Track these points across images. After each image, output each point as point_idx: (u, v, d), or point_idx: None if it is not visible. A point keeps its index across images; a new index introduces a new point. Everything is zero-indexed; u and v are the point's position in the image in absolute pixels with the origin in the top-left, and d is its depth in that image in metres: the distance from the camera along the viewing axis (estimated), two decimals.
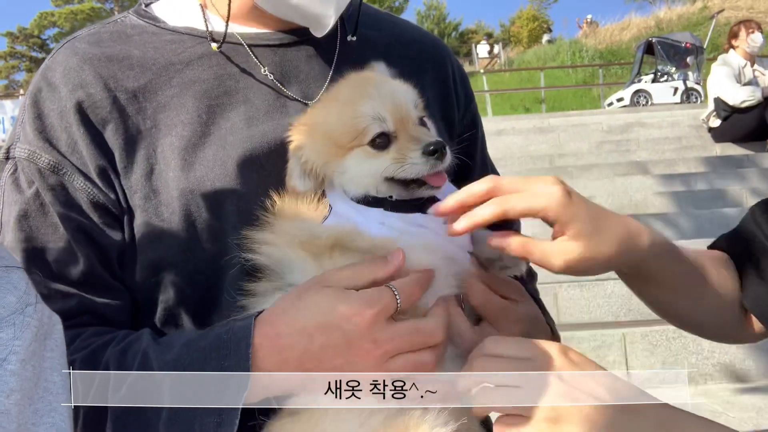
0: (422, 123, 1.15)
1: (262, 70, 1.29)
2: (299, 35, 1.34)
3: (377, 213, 1.10)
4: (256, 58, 1.30)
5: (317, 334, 1.01)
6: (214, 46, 1.28)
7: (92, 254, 1.19)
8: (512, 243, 1.04)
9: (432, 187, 1.09)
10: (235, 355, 1.01)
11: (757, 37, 8.65)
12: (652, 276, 1.17)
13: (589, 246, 1.03)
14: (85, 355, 1.10)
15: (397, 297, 1.03)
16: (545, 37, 47.88)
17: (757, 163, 8.55)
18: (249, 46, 1.31)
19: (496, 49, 42.05)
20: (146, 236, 1.19)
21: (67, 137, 1.20)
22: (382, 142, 1.09)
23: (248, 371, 0.99)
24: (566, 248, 1.03)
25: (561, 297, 4.86)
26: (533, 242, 1.04)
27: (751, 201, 7.03)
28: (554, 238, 1.04)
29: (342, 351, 1.01)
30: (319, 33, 1.29)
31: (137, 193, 1.19)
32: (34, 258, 1.16)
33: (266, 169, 1.21)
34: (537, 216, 1.03)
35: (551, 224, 1.04)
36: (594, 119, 12.52)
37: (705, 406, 3.57)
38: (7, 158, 1.23)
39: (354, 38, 1.35)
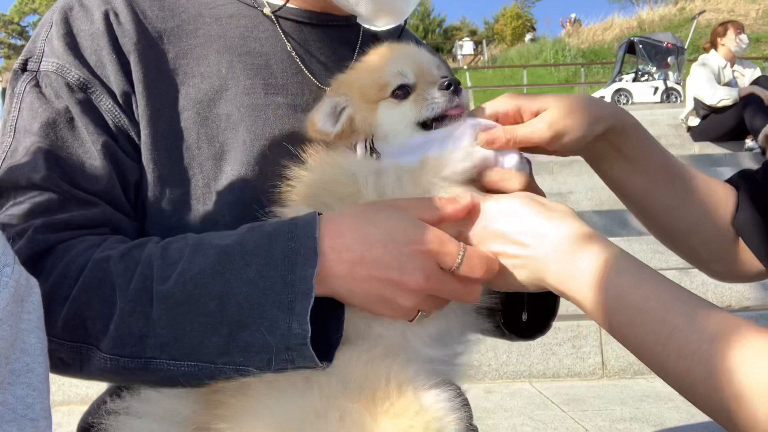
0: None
1: (288, 46, 1.30)
2: (327, 17, 1.36)
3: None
4: (282, 31, 1.31)
5: (377, 246, 1.01)
6: (266, 10, 1.31)
7: (114, 175, 1.16)
8: (498, 132, 1.14)
9: (453, 118, 1.15)
10: (302, 235, 1.00)
11: (745, 38, 8.77)
12: (629, 153, 1.24)
13: (562, 109, 1.15)
14: (120, 251, 1.05)
15: (461, 255, 1.03)
16: (528, 36, 47.99)
17: (735, 162, 8.64)
18: (279, 17, 1.32)
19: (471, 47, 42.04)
20: (146, 176, 1.18)
21: (97, 59, 1.19)
22: (402, 93, 1.16)
23: (316, 251, 0.98)
24: (545, 116, 1.15)
25: None
26: (515, 127, 1.15)
27: None
28: None
29: (393, 271, 1.01)
30: (383, 26, 1.31)
31: (146, 130, 1.18)
32: (56, 165, 1.13)
33: (276, 139, 1.21)
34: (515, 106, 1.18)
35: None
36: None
37: (678, 397, 3.62)
38: (24, 70, 1.20)
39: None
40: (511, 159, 1.14)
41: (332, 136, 1.17)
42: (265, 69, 1.27)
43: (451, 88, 1.13)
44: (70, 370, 1.06)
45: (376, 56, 1.23)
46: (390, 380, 0.98)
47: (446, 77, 1.15)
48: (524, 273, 1.05)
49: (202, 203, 1.18)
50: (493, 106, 1.19)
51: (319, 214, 1.04)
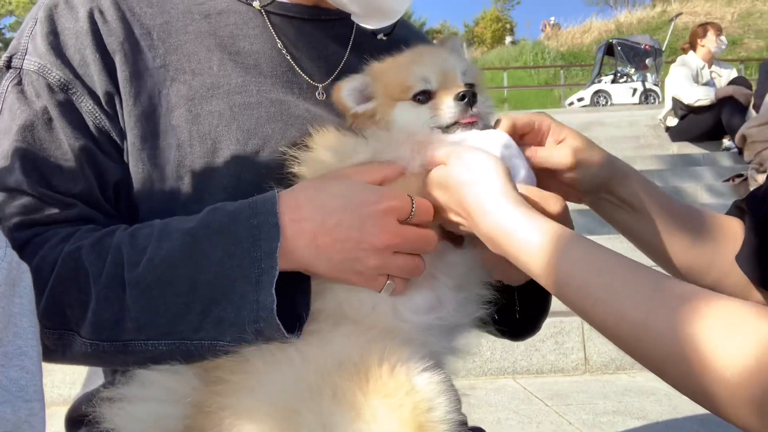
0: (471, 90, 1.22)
1: (278, 44, 1.29)
2: (319, 11, 1.35)
3: None
4: (273, 27, 1.30)
5: (335, 212, 1.05)
6: (256, 4, 1.30)
7: (92, 177, 1.17)
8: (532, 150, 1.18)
9: (466, 126, 1.18)
10: (262, 212, 1.04)
11: (724, 39, 8.95)
12: (632, 202, 1.25)
13: (584, 142, 1.18)
14: (91, 241, 1.08)
15: (413, 206, 1.07)
16: (508, 39, 48.29)
17: (713, 162, 8.75)
18: (269, 12, 1.31)
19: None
20: (133, 175, 1.19)
21: (80, 59, 1.18)
22: (423, 98, 1.19)
23: (278, 226, 1.03)
24: (569, 143, 1.18)
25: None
26: (539, 148, 1.18)
27: (705, 198, 7.20)
28: None
29: (353, 232, 1.05)
30: (377, 24, 1.32)
31: (135, 129, 1.18)
32: (34, 169, 1.14)
33: (269, 136, 1.21)
34: (539, 125, 1.20)
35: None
36: (555, 118, 12.67)
37: (660, 391, 3.67)
38: (9, 67, 1.20)
39: (384, 38, 1.39)
40: (520, 168, 1.15)
41: (350, 112, 1.22)
42: (255, 67, 1.26)
43: (465, 100, 1.16)
44: (54, 355, 1.09)
45: (406, 57, 1.26)
46: (384, 361, 0.99)
47: (465, 89, 1.17)
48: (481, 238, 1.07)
49: (195, 201, 1.17)
50: (512, 118, 1.21)
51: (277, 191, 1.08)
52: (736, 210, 1.34)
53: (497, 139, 1.13)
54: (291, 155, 1.17)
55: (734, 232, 1.29)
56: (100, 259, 1.05)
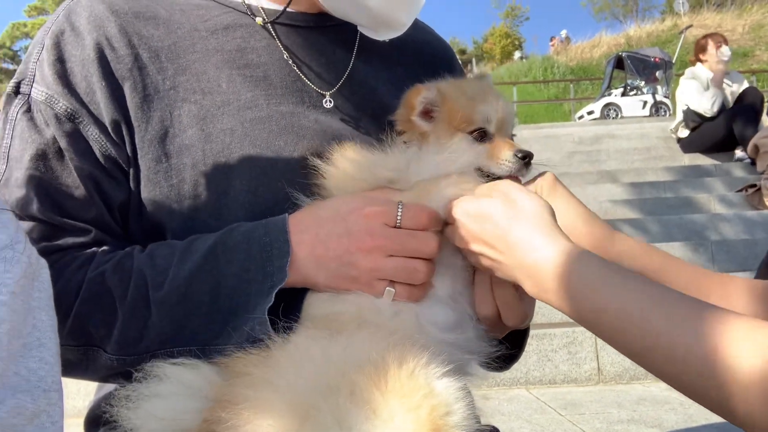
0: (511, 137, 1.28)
1: (285, 54, 1.30)
2: (324, 18, 1.36)
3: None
4: (278, 38, 1.31)
5: (326, 223, 1.11)
6: (258, 20, 1.31)
7: (101, 203, 1.20)
8: None
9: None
10: (274, 230, 1.11)
11: (726, 50, 8.80)
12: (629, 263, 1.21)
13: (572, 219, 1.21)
14: (112, 265, 1.13)
15: (399, 210, 1.11)
16: (517, 54, 48.41)
17: (725, 173, 8.71)
18: (274, 23, 1.32)
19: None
20: (151, 198, 1.20)
21: (86, 86, 1.19)
22: (479, 136, 1.22)
23: (288, 242, 1.10)
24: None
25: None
26: None
27: (718, 208, 7.17)
28: None
29: (343, 239, 1.10)
30: (384, 36, 1.33)
31: (149, 154, 1.19)
32: (47, 197, 1.17)
33: (281, 149, 1.22)
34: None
35: None
36: (565, 131, 12.67)
37: (675, 400, 3.64)
38: (17, 93, 1.21)
39: (386, 40, 1.39)
40: None
41: (412, 117, 1.23)
42: (264, 80, 1.26)
43: (526, 160, 1.20)
44: (77, 369, 1.15)
45: (472, 89, 1.29)
46: (403, 363, 1.00)
47: (527, 150, 1.21)
48: (502, 275, 1.09)
49: (214, 218, 1.19)
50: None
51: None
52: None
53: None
54: (315, 166, 1.19)
55: (736, 292, 1.25)
56: (123, 281, 1.11)
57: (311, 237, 1.10)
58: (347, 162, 1.20)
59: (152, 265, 1.12)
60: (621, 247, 1.21)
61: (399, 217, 1.11)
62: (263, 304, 1.07)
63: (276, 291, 1.08)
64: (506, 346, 1.24)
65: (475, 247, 1.10)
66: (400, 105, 1.26)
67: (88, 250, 1.18)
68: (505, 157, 1.21)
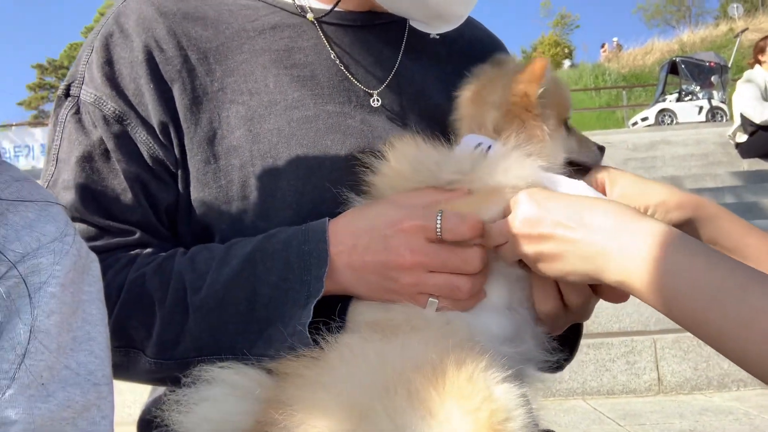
0: None
1: (332, 54, 1.29)
2: (371, 17, 1.35)
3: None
4: (326, 37, 1.30)
5: (363, 235, 1.07)
6: (310, 16, 1.30)
7: (147, 206, 1.20)
8: None
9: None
10: (314, 239, 1.08)
11: None
12: (722, 244, 1.15)
13: (638, 185, 1.14)
14: (153, 267, 1.13)
15: (438, 222, 1.05)
16: (567, 62, 47.89)
17: None
18: (321, 22, 1.31)
19: None
20: (200, 200, 1.20)
21: (135, 88, 1.19)
22: (567, 126, 1.21)
23: (327, 251, 1.06)
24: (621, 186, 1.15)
25: None
26: None
27: None
28: None
29: (381, 252, 1.06)
30: (438, 30, 1.30)
31: (197, 155, 1.19)
32: (92, 199, 1.17)
33: (328, 149, 1.21)
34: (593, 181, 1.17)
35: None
36: (619, 137, 12.47)
37: (738, 410, 3.52)
38: (67, 95, 1.22)
39: (437, 36, 1.36)
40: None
41: (533, 105, 1.15)
42: (311, 80, 1.25)
43: (603, 152, 1.22)
44: (120, 370, 1.12)
45: (559, 76, 1.25)
46: (462, 366, 0.98)
47: (597, 143, 1.22)
48: (572, 260, 1.00)
49: (262, 219, 1.18)
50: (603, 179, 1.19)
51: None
52: None
53: (582, 187, 1.11)
54: (366, 163, 1.16)
55: None
56: (163, 284, 1.10)
57: (349, 248, 1.07)
58: (405, 160, 1.16)
59: (192, 269, 1.11)
60: (710, 210, 1.16)
61: (439, 230, 1.05)
62: (300, 315, 1.04)
63: (314, 304, 1.04)
64: (564, 350, 1.20)
65: (531, 247, 1.03)
66: (519, 79, 1.14)
67: (132, 252, 1.18)
68: (591, 145, 1.18)
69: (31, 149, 18.19)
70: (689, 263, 0.90)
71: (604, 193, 1.17)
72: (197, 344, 1.09)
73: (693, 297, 0.89)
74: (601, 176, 1.18)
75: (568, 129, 1.20)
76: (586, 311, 1.14)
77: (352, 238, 1.07)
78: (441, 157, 1.15)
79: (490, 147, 1.14)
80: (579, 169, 1.20)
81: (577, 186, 1.11)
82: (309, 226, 1.10)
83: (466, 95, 1.23)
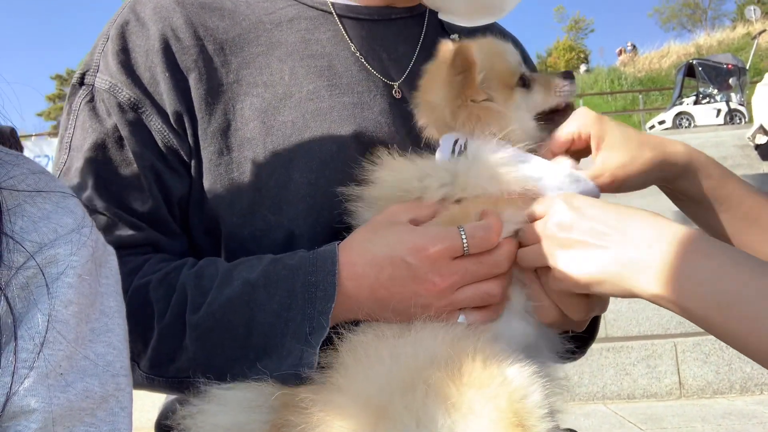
0: None
1: (352, 47, 1.28)
2: (389, 11, 1.35)
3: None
4: (345, 30, 1.29)
5: (386, 266, 1.02)
6: (329, 8, 1.29)
7: (159, 196, 1.18)
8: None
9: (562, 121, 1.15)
10: (322, 270, 1.03)
11: None
12: (705, 197, 1.14)
13: (624, 151, 1.09)
14: (159, 276, 1.10)
15: (464, 239, 1.03)
16: (582, 67, 47.72)
17: None
18: (339, 16, 1.30)
19: None
20: (211, 191, 1.18)
21: (150, 77, 1.18)
22: (522, 83, 1.18)
23: (334, 286, 1.02)
24: (605, 158, 1.10)
25: (608, 310, 4.75)
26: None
27: None
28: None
29: (408, 283, 1.02)
30: (477, 23, 1.30)
31: (211, 146, 1.18)
32: (105, 187, 1.15)
33: (343, 141, 1.20)
34: (578, 135, 1.12)
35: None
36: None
37: (763, 414, 3.47)
38: (81, 83, 1.22)
39: (456, 36, 1.35)
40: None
41: (476, 94, 1.15)
42: (328, 70, 1.25)
43: (571, 77, 1.16)
44: None
45: (488, 44, 1.22)
46: (475, 355, 0.97)
47: (561, 71, 1.17)
48: (602, 268, 0.98)
49: (274, 212, 1.17)
50: (570, 131, 1.14)
51: (338, 243, 1.07)
52: None
53: (565, 173, 1.10)
54: (367, 164, 1.15)
55: None
56: (166, 297, 1.08)
57: (371, 281, 1.03)
58: (391, 174, 1.14)
59: (196, 285, 1.08)
60: (701, 160, 1.13)
61: (466, 246, 1.03)
62: (300, 351, 1.01)
63: (319, 343, 1.01)
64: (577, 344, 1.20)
65: (562, 251, 1.00)
66: (451, 72, 1.14)
67: (140, 258, 1.15)
68: (557, 83, 1.15)
69: (50, 159, 18.42)
70: (735, 272, 0.88)
71: (590, 151, 1.14)
72: (192, 364, 1.06)
73: (739, 307, 0.86)
74: (587, 132, 1.13)
75: (526, 84, 1.17)
76: (584, 322, 1.13)
77: (374, 269, 1.03)
78: (423, 171, 1.13)
79: (466, 143, 1.14)
80: (560, 111, 1.18)
81: (551, 165, 1.11)
82: (318, 254, 1.06)
83: (417, 102, 1.24)
